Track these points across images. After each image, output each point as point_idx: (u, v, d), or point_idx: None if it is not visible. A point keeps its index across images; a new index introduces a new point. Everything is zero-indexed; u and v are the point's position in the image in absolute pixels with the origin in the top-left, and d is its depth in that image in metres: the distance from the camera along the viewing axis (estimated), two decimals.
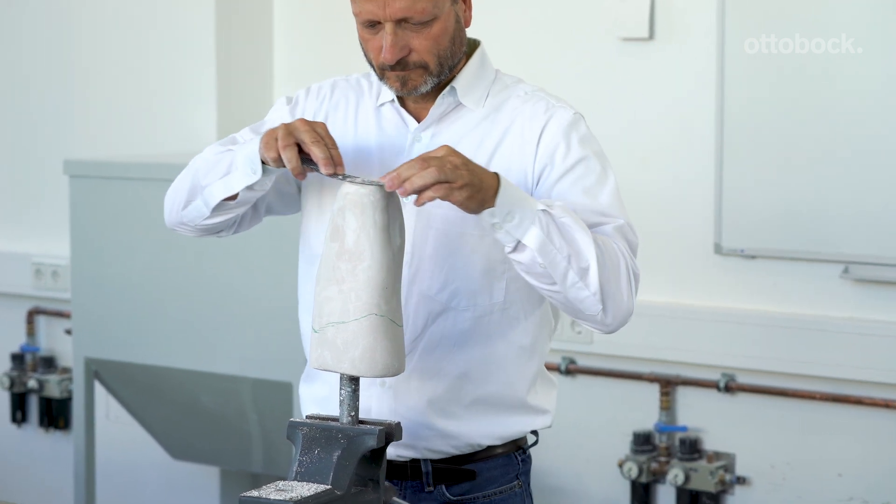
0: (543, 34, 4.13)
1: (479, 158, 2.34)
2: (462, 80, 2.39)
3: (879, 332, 3.72)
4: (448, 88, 2.38)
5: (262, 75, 4.59)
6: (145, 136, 4.64)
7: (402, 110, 2.42)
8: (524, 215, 2.18)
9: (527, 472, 2.53)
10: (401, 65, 2.31)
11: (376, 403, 2.40)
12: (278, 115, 2.50)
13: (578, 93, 3.79)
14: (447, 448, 2.42)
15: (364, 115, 2.45)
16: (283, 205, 2.51)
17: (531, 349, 2.44)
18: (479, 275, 2.36)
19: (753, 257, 3.89)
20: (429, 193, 2.12)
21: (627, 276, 2.27)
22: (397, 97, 2.41)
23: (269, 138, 2.25)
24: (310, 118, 2.44)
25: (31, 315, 4.99)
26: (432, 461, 2.42)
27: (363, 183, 2.18)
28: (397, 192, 2.13)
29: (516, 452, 2.49)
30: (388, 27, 2.28)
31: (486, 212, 2.17)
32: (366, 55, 2.37)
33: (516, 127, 2.38)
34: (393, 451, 2.39)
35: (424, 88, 2.35)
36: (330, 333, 2.18)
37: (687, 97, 3.93)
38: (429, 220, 2.35)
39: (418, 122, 2.41)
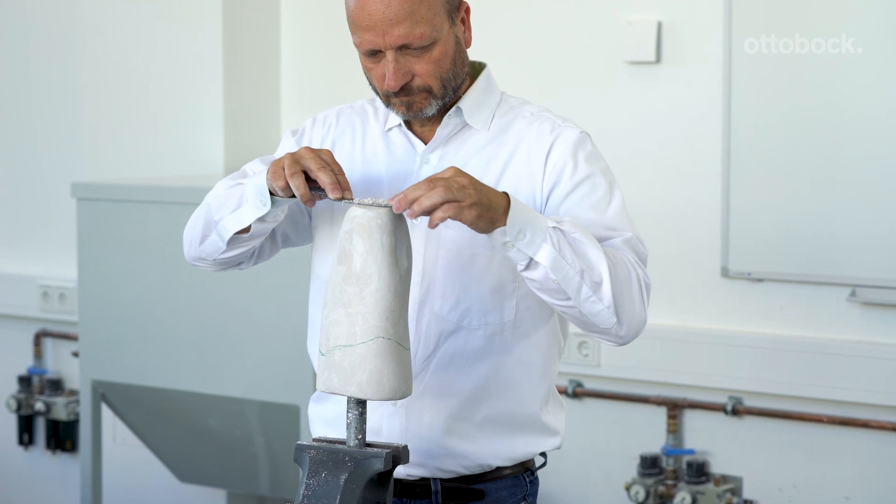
0: (551, 58, 4.14)
1: (488, 180, 2.36)
2: (468, 102, 2.42)
3: (887, 355, 3.72)
4: (454, 109, 2.40)
5: (270, 99, 4.61)
6: (152, 160, 4.65)
7: (410, 133, 2.43)
8: (535, 233, 2.19)
9: (534, 494, 2.53)
10: (405, 90, 2.33)
11: (387, 423, 2.41)
12: (286, 147, 2.52)
13: (586, 116, 3.80)
14: (458, 468, 2.42)
15: (371, 141, 2.47)
16: (298, 235, 2.53)
17: (542, 366, 2.45)
18: (490, 294, 2.37)
19: (760, 280, 3.89)
20: (439, 214, 2.13)
21: (639, 287, 2.29)
22: (405, 121, 2.43)
23: (276, 167, 2.26)
24: (316, 146, 2.46)
25: (39, 337, 4.99)
26: (442, 480, 2.43)
27: (371, 205, 2.18)
28: (405, 214, 2.14)
29: (524, 474, 2.49)
30: (390, 55, 2.31)
31: (498, 231, 2.18)
32: (370, 83, 2.39)
33: (523, 148, 2.40)
34: (403, 471, 2.40)
35: (430, 111, 2.37)
36: (337, 356, 2.19)
37: (693, 120, 3.94)
38: (439, 240, 2.37)
39: (426, 144, 2.42)
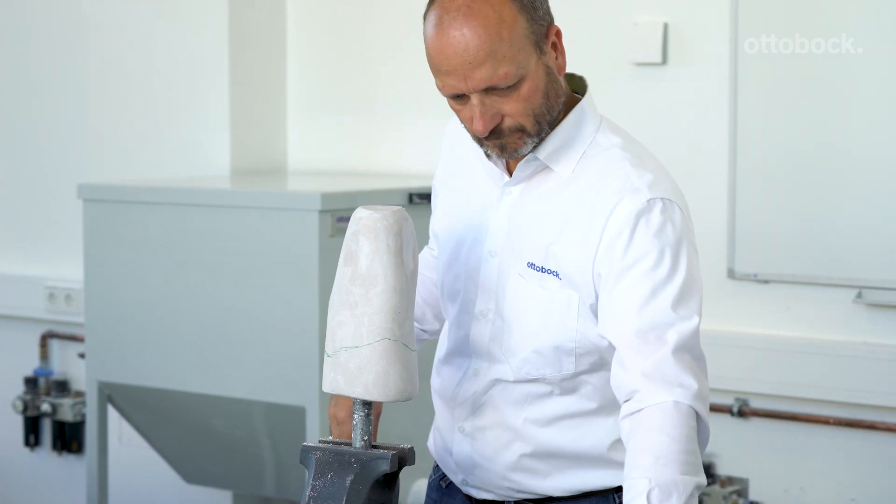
0: None
1: (550, 229, 2.27)
2: (549, 146, 2.27)
3: (893, 356, 3.71)
4: (530, 155, 2.28)
5: (276, 101, 4.60)
6: (158, 162, 4.65)
7: (500, 161, 2.32)
8: None
9: None
10: (495, 133, 2.22)
11: (457, 446, 2.41)
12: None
13: None
14: (525, 495, 2.39)
15: (478, 156, 2.37)
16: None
17: (609, 405, 2.34)
18: (549, 350, 2.30)
19: (766, 282, 3.88)
20: None
21: (699, 435, 2.20)
22: None
23: None
24: (448, 154, 2.49)
25: (45, 339, 4.99)
26: (516, 501, 2.41)
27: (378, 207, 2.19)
28: None
29: (615, 493, 2.36)
30: (475, 98, 2.18)
31: None
32: (462, 123, 2.29)
33: (588, 202, 2.25)
34: (474, 492, 2.41)
35: (525, 150, 2.25)
36: (343, 358, 2.18)
37: (700, 121, 3.94)
38: (505, 289, 2.32)
39: (510, 174, 2.34)
